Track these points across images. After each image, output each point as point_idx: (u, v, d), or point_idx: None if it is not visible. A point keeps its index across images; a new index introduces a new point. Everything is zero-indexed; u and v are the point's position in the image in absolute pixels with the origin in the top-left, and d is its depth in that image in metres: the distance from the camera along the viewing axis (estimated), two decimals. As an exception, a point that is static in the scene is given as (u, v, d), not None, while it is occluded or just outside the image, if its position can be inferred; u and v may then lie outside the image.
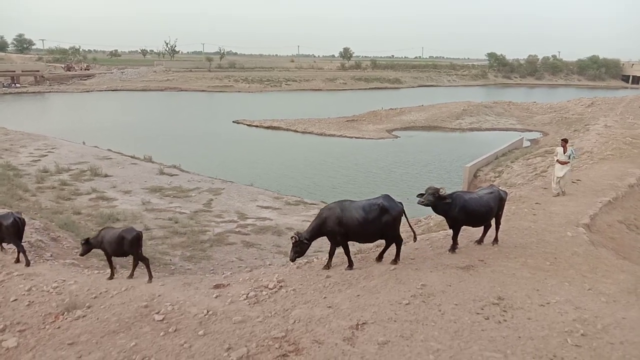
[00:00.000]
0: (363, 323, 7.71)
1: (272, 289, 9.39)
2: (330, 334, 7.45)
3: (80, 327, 8.31)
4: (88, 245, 10.41)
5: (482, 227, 11.13)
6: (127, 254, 10.29)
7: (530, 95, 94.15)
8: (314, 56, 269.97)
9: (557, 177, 15.69)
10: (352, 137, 45.88)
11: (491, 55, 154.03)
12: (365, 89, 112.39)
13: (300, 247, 9.88)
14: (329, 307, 8.38)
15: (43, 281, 10.07)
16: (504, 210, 11.66)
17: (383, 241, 10.33)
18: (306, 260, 11.81)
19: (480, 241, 11.16)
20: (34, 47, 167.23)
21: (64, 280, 10.10)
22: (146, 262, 10.31)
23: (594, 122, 41.71)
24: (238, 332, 7.78)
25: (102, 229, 10.68)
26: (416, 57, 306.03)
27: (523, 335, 7.26)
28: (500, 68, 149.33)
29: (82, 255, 10.75)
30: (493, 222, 11.09)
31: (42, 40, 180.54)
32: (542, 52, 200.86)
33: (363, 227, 9.65)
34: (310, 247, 10.14)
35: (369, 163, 35.22)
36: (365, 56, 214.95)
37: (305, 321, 7.91)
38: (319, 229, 9.94)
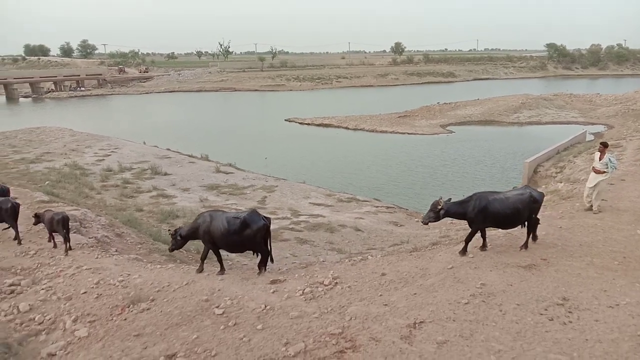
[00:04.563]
0: (421, 322, 7.60)
1: (327, 285, 9.46)
2: (387, 332, 7.40)
3: (145, 319, 8.67)
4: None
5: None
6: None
7: (593, 87, 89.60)
8: (365, 52, 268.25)
9: (589, 188, 13.15)
10: (404, 133, 45.23)
11: (550, 46, 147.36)
12: (418, 83, 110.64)
13: (175, 240, 10.67)
14: (385, 304, 8.33)
15: (110, 275, 10.58)
16: (563, 209, 11.13)
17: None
18: (361, 258, 11.81)
19: (524, 246, 10.47)
20: (96, 51, 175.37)
21: (129, 274, 10.57)
22: (15, 229, 12.64)
23: (665, 113, 39.18)
24: (295, 327, 7.88)
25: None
26: (470, 50, 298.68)
27: (590, 337, 6.94)
28: (560, 59, 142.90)
29: None
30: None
31: (104, 44, 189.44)
32: (607, 41, 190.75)
33: (226, 237, 10.15)
34: (365, 244, 10.14)
35: (421, 159, 34.61)
36: (417, 50, 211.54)
37: (362, 318, 7.89)
38: (192, 232, 10.56)
